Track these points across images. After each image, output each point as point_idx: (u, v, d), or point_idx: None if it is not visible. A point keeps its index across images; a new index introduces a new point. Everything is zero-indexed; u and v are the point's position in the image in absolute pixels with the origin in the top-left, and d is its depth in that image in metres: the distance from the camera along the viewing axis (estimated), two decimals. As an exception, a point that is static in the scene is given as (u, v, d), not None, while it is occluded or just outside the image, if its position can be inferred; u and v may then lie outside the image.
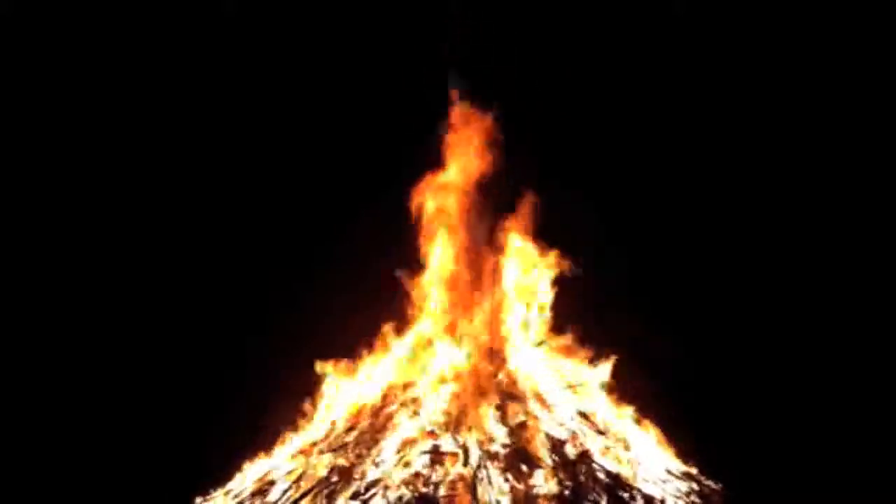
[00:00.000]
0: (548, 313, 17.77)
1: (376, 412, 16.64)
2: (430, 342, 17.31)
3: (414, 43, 19.48)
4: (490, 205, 17.56)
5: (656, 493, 15.76)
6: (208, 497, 16.55)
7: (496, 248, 17.52)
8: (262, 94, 21.37)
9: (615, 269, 19.82)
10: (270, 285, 20.65)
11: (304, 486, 15.70)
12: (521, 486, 15.07)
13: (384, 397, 16.84)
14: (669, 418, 17.36)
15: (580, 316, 17.86)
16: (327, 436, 16.60)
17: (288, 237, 21.01)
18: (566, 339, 17.59)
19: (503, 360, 17.08)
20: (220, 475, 16.87)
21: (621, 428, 16.72)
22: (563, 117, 20.09)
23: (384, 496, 15.00)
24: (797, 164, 21.20)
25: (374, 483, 15.25)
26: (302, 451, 16.43)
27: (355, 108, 20.76)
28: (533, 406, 16.49)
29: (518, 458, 15.45)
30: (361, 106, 20.67)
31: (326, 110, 21.16)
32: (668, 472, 16.35)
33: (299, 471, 16.07)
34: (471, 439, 15.61)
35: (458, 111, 17.68)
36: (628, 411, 17.12)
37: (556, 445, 15.83)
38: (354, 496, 15.13)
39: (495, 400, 16.29)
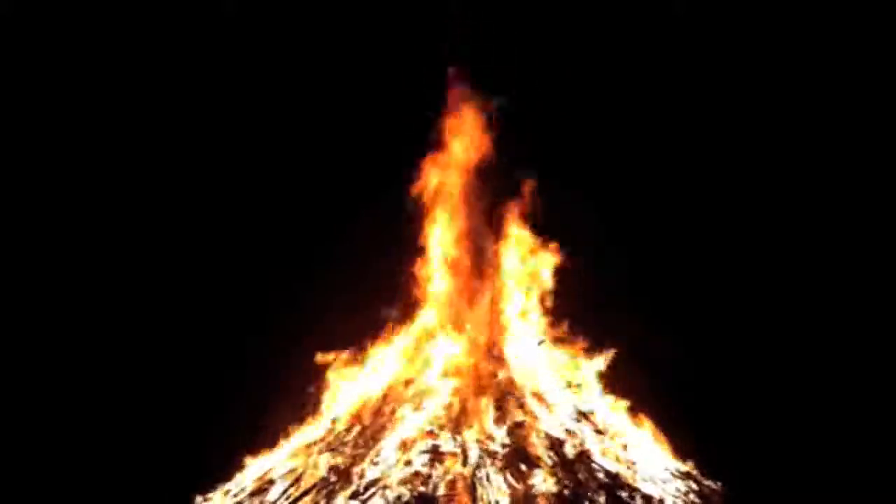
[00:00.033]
0: (547, 311, 17.80)
1: (375, 412, 16.64)
2: (430, 340, 17.31)
3: (413, 40, 19.49)
4: (489, 191, 17.58)
5: (655, 492, 15.75)
6: (208, 496, 16.52)
7: (496, 238, 17.54)
8: (262, 94, 21.36)
9: (615, 268, 19.80)
10: (270, 285, 20.64)
11: (304, 485, 15.69)
12: (520, 486, 15.06)
13: (384, 397, 16.84)
14: (669, 418, 17.34)
15: (580, 316, 17.85)
16: (326, 435, 16.60)
17: (288, 237, 20.99)
18: (566, 338, 17.59)
19: (502, 360, 17.09)
20: (220, 475, 16.86)
21: (621, 428, 16.71)
22: (562, 116, 20.07)
23: (383, 495, 14.99)
24: (797, 163, 21.18)
25: (374, 482, 15.24)
26: (301, 451, 16.43)
27: (355, 106, 20.75)
28: (532, 405, 16.49)
29: (517, 458, 15.45)
30: (361, 103, 20.66)
31: (326, 108, 21.15)
32: (668, 471, 16.34)
33: (299, 470, 16.05)
34: (470, 439, 15.61)
35: (457, 96, 17.73)
36: (628, 411, 17.12)
37: (556, 445, 15.83)
38: (354, 496, 15.13)
39: (494, 400, 16.28)
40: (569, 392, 17.10)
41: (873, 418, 19.69)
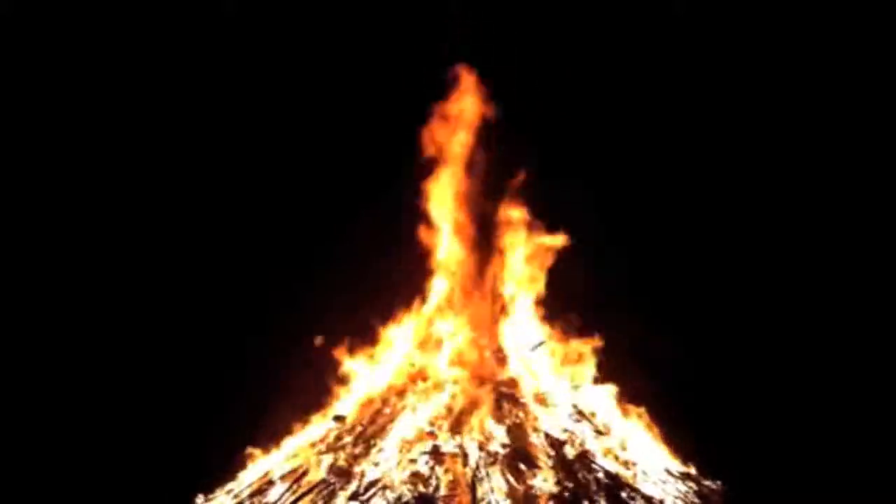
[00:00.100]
0: (547, 311, 17.80)
1: (376, 412, 16.64)
2: (430, 340, 17.32)
3: (413, 37, 19.48)
4: (489, 187, 17.60)
5: (656, 493, 15.75)
6: (209, 497, 16.52)
7: (496, 236, 17.55)
8: (262, 94, 21.36)
9: (615, 268, 19.80)
10: (270, 285, 20.64)
11: (304, 486, 15.69)
12: (520, 487, 15.06)
13: (384, 397, 16.84)
14: (669, 418, 17.34)
15: (580, 315, 17.85)
16: (327, 435, 16.59)
17: (288, 237, 20.99)
18: (566, 338, 17.59)
19: (503, 360, 17.09)
20: (221, 475, 16.85)
21: (621, 428, 16.71)
22: (562, 115, 20.08)
23: (383, 496, 14.99)
24: (797, 163, 21.19)
25: (374, 483, 15.24)
26: (302, 451, 16.43)
27: (355, 105, 20.75)
28: (532, 406, 16.49)
29: (517, 459, 15.45)
30: (361, 102, 20.65)
31: (326, 108, 21.16)
32: (668, 472, 16.35)
33: (299, 471, 16.04)
34: (470, 439, 15.61)
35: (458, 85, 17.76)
36: (628, 411, 17.12)
37: (556, 445, 15.83)
38: (354, 496, 15.12)
39: (495, 400, 16.28)
40: (569, 392, 17.09)
41: (873, 418, 19.69)
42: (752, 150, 21.40)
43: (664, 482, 16.08)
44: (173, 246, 21.19)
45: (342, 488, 15.33)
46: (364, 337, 17.60)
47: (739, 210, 21.33)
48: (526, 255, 17.72)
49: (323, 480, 15.60)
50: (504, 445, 15.61)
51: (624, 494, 15.46)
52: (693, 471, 16.64)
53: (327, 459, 15.90)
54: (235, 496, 16.28)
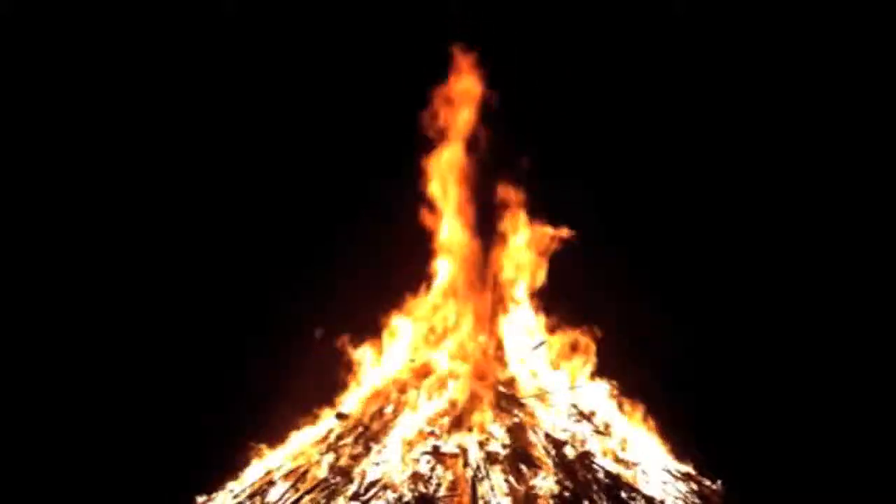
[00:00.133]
0: (547, 311, 17.82)
1: (377, 410, 16.64)
2: (430, 340, 17.32)
3: (412, 23, 19.49)
4: (489, 183, 17.60)
5: (656, 493, 15.76)
6: (209, 497, 16.52)
7: (496, 226, 17.55)
8: (262, 93, 21.36)
9: (616, 266, 19.81)
10: (270, 285, 20.64)
11: (304, 486, 15.69)
12: (521, 487, 15.06)
13: (384, 397, 16.83)
14: (669, 418, 17.35)
15: (580, 315, 17.85)
16: (328, 435, 16.59)
17: (288, 237, 21.00)
18: (565, 338, 17.60)
19: (502, 360, 17.09)
20: (221, 474, 16.85)
21: (621, 428, 16.72)
22: (561, 112, 20.10)
23: (384, 496, 14.98)
24: (797, 163, 21.20)
25: (374, 483, 15.24)
26: (302, 451, 16.43)
27: (355, 104, 20.76)
28: (532, 406, 16.49)
29: (518, 459, 15.45)
30: (361, 101, 20.66)
31: (326, 108, 21.16)
32: (669, 472, 16.34)
33: (300, 471, 16.04)
34: (471, 440, 15.61)
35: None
36: (628, 410, 17.12)
37: (556, 446, 15.83)
38: (354, 496, 15.12)
39: (495, 400, 16.28)
40: (569, 391, 17.09)
41: (873, 418, 19.70)
42: (751, 148, 21.41)
43: (664, 482, 16.08)
44: (174, 246, 21.20)
45: (343, 488, 15.32)
46: (366, 330, 17.59)
47: (738, 210, 21.34)
48: (526, 248, 17.69)
49: (323, 480, 15.59)
50: (504, 445, 15.61)
51: (624, 495, 15.46)
52: (693, 471, 16.63)
53: (328, 459, 15.90)
54: (236, 496, 16.28)
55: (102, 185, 21.38)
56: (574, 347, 17.49)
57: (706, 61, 21.19)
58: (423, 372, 17.00)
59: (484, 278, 17.50)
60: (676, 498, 15.92)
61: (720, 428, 18.69)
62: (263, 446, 16.94)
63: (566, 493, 15.06)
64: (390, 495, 15.00)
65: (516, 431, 15.87)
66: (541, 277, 17.76)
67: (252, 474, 16.66)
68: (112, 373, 20.42)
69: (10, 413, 19.83)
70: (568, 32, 20.76)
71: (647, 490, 15.74)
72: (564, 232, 17.66)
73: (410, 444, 15.66)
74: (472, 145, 17.68)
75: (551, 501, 14.94)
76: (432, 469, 15.28)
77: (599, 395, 17.12)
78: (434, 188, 17.64)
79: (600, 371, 17.43)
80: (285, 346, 19.22)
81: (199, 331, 20.41)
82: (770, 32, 21.11)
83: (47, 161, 21.28)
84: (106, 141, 21.47)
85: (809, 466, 18.70)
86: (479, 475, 15.15)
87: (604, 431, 16.48)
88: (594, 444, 16.11)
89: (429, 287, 17.67)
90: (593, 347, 17.44)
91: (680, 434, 17.19)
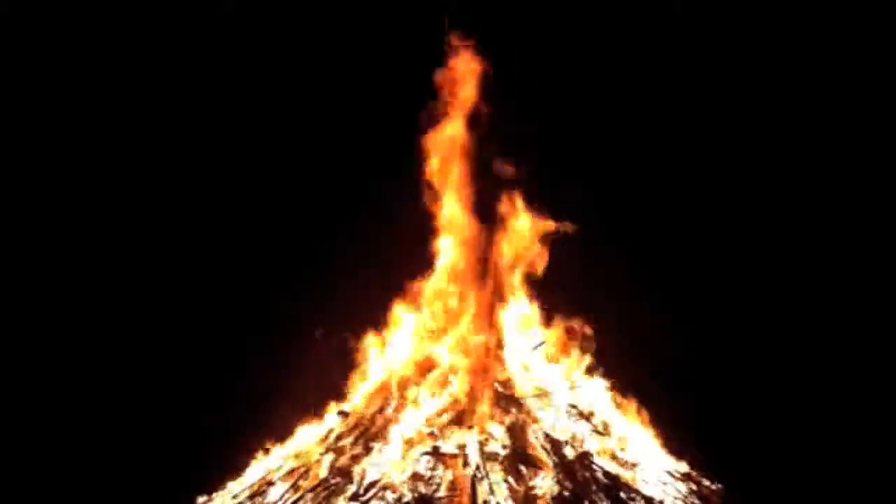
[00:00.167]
0: (547, 310, 17.81)
1: (378, 409, 16.63)
2: (430, 339, 17.31)
3: (411, 37, 19.48)
4: (488, 180, 17.57)
5: (656, 494, 15.75)
6: (209, 497, 16.52)
7: (496, 232, 17.52)
8: (262, 92, 21.36)
9: (615, 267, 19.81)
10: (270, 285, 20.64)
11: (304, 486, 15.69)
12: (520, 488, 15.05)
13: (385, 395, 16.83)
14: (669, 418, 17.34)
15: (580, 315, 17.84)
16: (328, 436, 16.59)
17: (288, 237, 21.01)
18: (565, 337, 17.58)
19: (502, 360, 17.08)
20: (221, 475, 16.85)
21: (620, 428, 16.71)
22: (561, 114, 20.09)
23: (383, 497, 14.98)
24: (796, 163, 21.20)
25: (374, 483, 15.23)
26: (302, 452, 16.43)
27: (354, 103, 20.76)
28: (532, 406, 16.48)
29: (517, 459, 15.44)
30: (361, 100, 20.66)
31: (326, 108, 21.16)
32: (668, 473, 16.33)
33: (299, 471, 16.04)
34: (470, 440, 15.59)
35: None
36: (627, 410, 17.12)
37: (556, 446, 15.82)
38: (354, 497, 15.12)
39: (494, 400, 16.27)
40: (569, 392, 17.08)
41: (873, 418, 19.70)
42: (751, 148, 21.41)
43: (664, 482, 16.07)
44: (174, 246, 21.20)
45: (343, 488, 15.32)
46: (367, 322, 17.57)
47: (737, 210, 21.33)
48: (527, 241, 17.65)
49: (323, 480, 15.59)
50: (504, 446, 15.60)
51: (623, 495, 15.45)
52: (693, 471, 16.62)
53: (328, 459, 15.89)
54: (235, 496, 16.28)
55: (102, 184, 21.38)
56: (572, 343, 17.46)
57: (706, 61, 21.17)
58: (425, 366, 16.97)
59: (485, 268, 17.44)
60: (676, 498, 15.91)
61: (720, 428, 18.68)
62: (263, 446, 16.93)
63: (566, 494, 15.05)
64: (390, 495, 15.00)
65: (516, 431, 15.85)
66: (541, 269, 17.67)
67: (252, 474, 16.65)
68: (112, 373, 20.43)
69: (11, 413, 19.84)
70: (568, 32, 20.75)
71: (647, 490, 15.73)
72: (566, 226, 17.62)
73: (410, 445, 15.65)
74: (471, 151, 17.68)
75: (551, 502, 14.93)
76: (432, 469, 15.26)
77: (598, 395, 17.11)
78: (434, 174, 17.59)
79: (600, 370, 17.41)
80: (285, 346, 19.22)
81: (199, 331, 20.42)
82: (769, 32, 21.11)
83: (47, 160, 21.28)
84: (106, 140, 21.47)
85: (809, 466, 18.70)
86: (479, 475, 15.14)
87: (603, 431, 16.47)
88: (593, 444, 16.10)
89: (429, 277, 17.62)
90: (592, 343, 17.43)
91: (680, 434, 17.17)
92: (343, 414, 16.75)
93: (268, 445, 16.98)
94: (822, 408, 19.72)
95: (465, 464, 15.28)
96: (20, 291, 20.87)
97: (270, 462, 16.68)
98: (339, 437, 16.38)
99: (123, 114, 21.49)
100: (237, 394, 19.24)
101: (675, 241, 20.92)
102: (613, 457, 16.01)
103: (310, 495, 15.49)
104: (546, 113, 19.45)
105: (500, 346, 17.23)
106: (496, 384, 16.62)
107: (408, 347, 17.40)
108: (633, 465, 16.01)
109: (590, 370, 17.35)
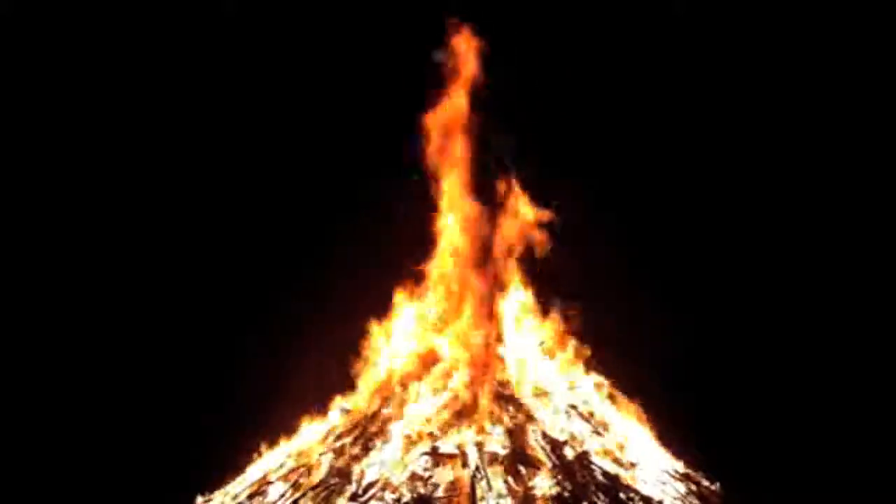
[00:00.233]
0: (546, 310, 17.81)
1: (378, 408, 16.64)
2: (430, 339, 17.32)
3: (410, 41, 19.50)
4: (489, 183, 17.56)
5: (655, 493, 15.74)
6: (209, 497, 16.53)
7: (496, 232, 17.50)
8: (262, 92, 21.38)
9: (615, 268, 19.81)
10: (270, 285, 20.66)
11: (304, 486, 15.69)
12: (519, 488, 15.04)
13: (383, 398, 16.83)
14: (669, 418, 17.34)
15: (580, 315, 17.84)
16: (327, 436, 16.60)
17: (288, 237, 21.02)
18: (565, 337, 17.58)
19: (502, 360, 17.07)
20: (221, 475, 16.87)
21: (620, 428, 16.70)
22: (561, 114, 20.11)
23: (382, 497, 14.98)
24: (796, 162, 21.21)
25: (373, 484, 15.23)
26: (301, 452, 16.43)
27: (354, 103, 20.77)
28: (532, 406, 16.47)
29: (517, 460, 15.43)
30: (360, 100, 20.68)
31: (325, 108, 21.17)
32: (667, 473, 16.33)
33: (299, 471, 16.05)
34: (469, 441, 15.59)
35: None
36: (626, 410, 17.12)
37: (555, 446, 15.81)
38: (353, 497, 15.12)
39: (494, 401, 16.26)
40: (569, 393, 17.08)
41: (873, 418, 19.70)
42: (751, 148, 21.42)
43: (663, 483, 16.07)
44: (174, 246, 21.22)
45: (342, 489, 15.32)
46: (369, 315, 17.58)
47: (736, 209, 21.34)
48: (526, 230, 17.61)
49: (323, 481, 15.59)
50: (503, 446, 15.59)
51: (623, 495, 15.44)
52: (692, 471, 16.62)
53: (327, 459, 15.90)
54: (235, 496, 16.28)
55: (102, 184, 21.40)
56: (569, 337, 17.46)
57: (706, 61, 21.18)
58: (427, 360, 16.96)
59: (485, 255, 17.39)
60: (675, 498, 15.90)
61: (719, 428, 18.69)
62: (264, 446, 16.95)
63: (565, 494, 15.04)
64: (389, 496, 14.99)
65: (515, 432, 15.83)
66: (541, 253, 17.62)
67: (252, 474, 16.66)
68: (113, 373, 20.45)
69: (11, 413, 19.87)
70: (569, 32, 20.76)
71: (646, 490, 15.72)
72: (560, 214, 17.58)
73: (410, 445, 15.64)
74: (472, 147, 17.68)
75: (550, 502, 14.93)
76: (431, 470, 15.26)
77: (597, 395, 17.11)
78: (434, 155, 17.57)
79: (599, 370, 17.41)
80: (285, 346, 19.23)
81: (199, 331, 20.43)
82: (769, 32, 21.11)
83: (47, 160, 21.31)
84: (105, 140, 21.49)
85: (809, 466, 18.70)
86: (478, 476, 15.13)
87: (602, 432, 16.46)
88: (592, 444, 16.09)
89: (430, 262, 17.60)
90: (590, 340, 17.46)
91: (679, 434, 17.17)
92: (345, 411, 16.75)
93: (268, 445, 16.96)
94: (821, 408, 19.72)
95: (465, 464, 15.27)
96: (20, 291, 20.90)
97: (270, 462, 16.68)
98: (338, 437, 16.37)
99: (123, 113, 21.52)
100: (237, 394, 19.25)
101: (675, 240, 20.92)
102: (612, 457, 16.00)
103: (309, 495, 15.48)
104: (545, 113, 19.46)
105: (499, 339, 17.19)
106: (496, 383, 16.62)
107: (410, 340, 17.37)
108: (633, 465, 16.00)
109: (587, 366, 17.32)
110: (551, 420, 16.27)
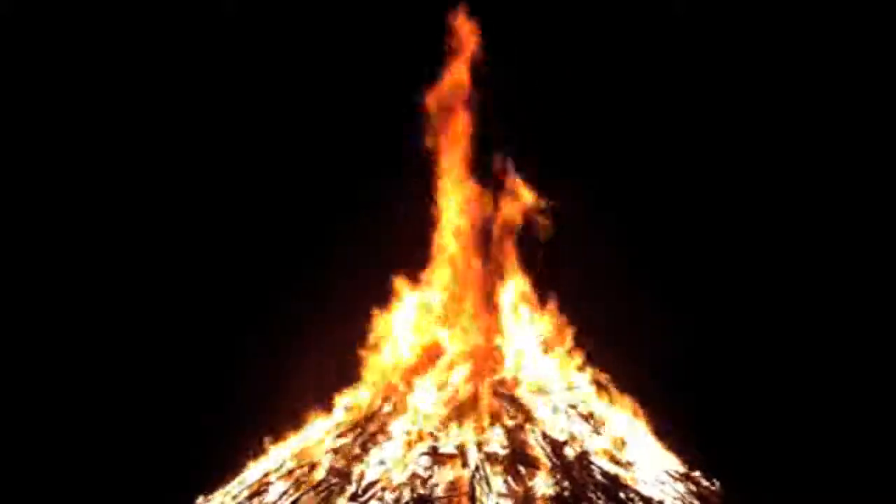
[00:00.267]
0: (546, 311, 17.79)
1: (374, 413, 16.63)
2: (430, 339, 17.32)
3: (410, 40, 19.50)
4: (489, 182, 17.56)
5: (654, 494, 15.74)
6: (209, 497, 16.54)
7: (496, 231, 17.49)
8: (261, 92, 21.39)
9: (615, 268, 19.82)
10: (270, 285, 20.67)
11: (303, 486, 15.69)
12: (519, 488, 15.04)
13: (383, 398, 16.82)
14: (669, 418, 17.34)
15: (579, 315, 17.85)
16: (326, 436, 16.59)
17: (288, 237, 21.03)
18: (564, 337, 17.57)
19: (501, 360, 17.07)
20: (221, 475, 16.87)
21: (619, 428, 16.70)
22: (564, 116, 20.11)
23: (382, 497, 14.98)
24: (795, 162, 21.21)
25: (373, 484, 15.23)
26: (301, 452, 16.43)
27: (354, 103, 20.78)
28: (531, 407, 16.47)
29: (516, 460, 15.43)
30: (360, 100, 20.68)
31: (325, 108, 21.18)
32: (667, 472, 16.33)
33: (299, 471, 16.05)
34: (469, 440, 15.59)
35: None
36: (626, 410, 17.12)
37: (555, 446, 15.81)
38: (353, 497, 15.12)
39: (494, 401, 16.26)
40: (568, 393, 17.08)
41: (873, 417, 19.70)
42: (750, 148, 21.43)
43: (662, 483, 16.07)
44: (174, 246, 21.23)
45: (341, 489, 15.32)
46: (369, 317, 17.57)
47: (736, 209, 21.35)
48: (525, 237, 17.63)
49: (322, 481, 15.59)
50: (503, 447, 15.59)
51: (622, 495, 15.45)
52: (692, 471, 16.61)
53: (327, 459, 15.90)
54: (235, 496, 16.29)
55: (102, 184, 21.41)
56: (567, 332, 17.45)
57: (706, 61, 21.18)
58: (429, 355, 16.94)
59: (485, 242, 17.38)
60: (675, 498, 15.90)
61: (719, 427, 18.69)
62: (263, 446, 16.94)
63: (564, 494, 15.05)
64: (388, 496, 15.00)
65: (514, 432, 15.84)
66: (543, 237, 17.62)
67: (252, 474, 16.65)
68: (113, 373, 20.46)
69: (12, 413, 19.87)
70: (569, 32, 20.77)
71: (645, 490, 15.72)
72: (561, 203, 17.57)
73: (409, 445, 15.64)
74: (471, 148, 17.69)
75: (549, 502, 14.93)
76: (431, 470, 15.26)
77: (597, 394, 17.11)
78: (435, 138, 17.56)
79: (599, 368, 17.41)
80: (285, 345, 19.23)
81: (199, 331, 20.44)
82: (769, 32, 21.11)
83: (47, 160, 21.31)
84: (105, 140, 21.50)
85: (809, 466, 18.70)
86: (478, 475, 15.13)
87: (602, 432, 16.46)
88: (592, 444, 16.09)
89: (431, 250, 17.60)
90: (589, 338, 17.45)
91: (679, 434, 17.18)
92: (347, 409, 16.75)
93: (268, 444, 16.96)
94: (821, 407, 19.72)
95: (464, 464, 15.27)
96: (20, 291, 20.90)
97: (270, 462, 16.68)
98: (338, 437, 16.37)
99: (123, 113, 21.53)
100: (237, 394, 19.26)
101: (675, 240, 20.93)
102: (612, 457, 16.00)
103: (310, 495, 15.48)
104: (545, 113, 19.47)
105: (500, 332, 17.18)
106: (496, 385, 16.62)
107: (411, 335, 17.35)
108: (632, 465, 16.00)
109: (586, 364, 17.32)
110: (551, 420, 16.27)
